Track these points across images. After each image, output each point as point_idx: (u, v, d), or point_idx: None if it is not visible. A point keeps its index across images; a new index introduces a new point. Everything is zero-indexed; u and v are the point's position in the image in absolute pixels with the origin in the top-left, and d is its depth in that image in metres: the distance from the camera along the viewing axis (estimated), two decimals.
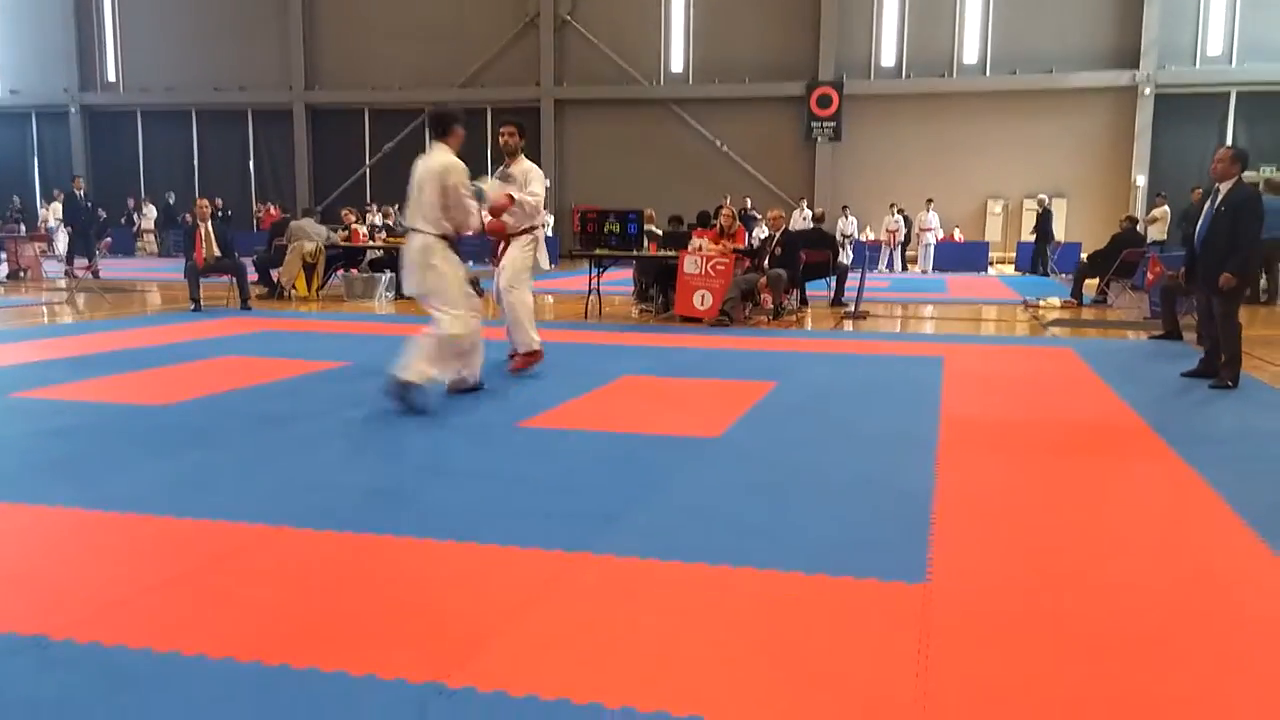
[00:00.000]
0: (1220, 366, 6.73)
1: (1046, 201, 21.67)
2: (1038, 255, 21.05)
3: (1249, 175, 7.31)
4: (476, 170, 6.19)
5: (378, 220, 20.05)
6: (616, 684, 2.31)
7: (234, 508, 3.69)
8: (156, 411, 5.61)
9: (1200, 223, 7.00)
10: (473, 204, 5.85)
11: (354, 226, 15.28)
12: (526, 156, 7.06)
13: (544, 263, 7.16)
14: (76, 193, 17.97)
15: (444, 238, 5.75)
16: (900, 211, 23.06)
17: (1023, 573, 3.13)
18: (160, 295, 14.34)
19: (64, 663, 2.42)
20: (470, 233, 5.99)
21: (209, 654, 2.45)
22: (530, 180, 6.90)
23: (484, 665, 2.41)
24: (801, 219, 20.85)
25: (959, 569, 3.12)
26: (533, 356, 6.96)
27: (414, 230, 5.75)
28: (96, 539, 3.41)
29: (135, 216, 27.51)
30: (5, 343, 8.61)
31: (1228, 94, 24.32)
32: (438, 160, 5.76)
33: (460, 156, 5.87)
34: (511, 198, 6.73)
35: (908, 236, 23.39)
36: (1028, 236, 22.07)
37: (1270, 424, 5.57)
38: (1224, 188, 6.80)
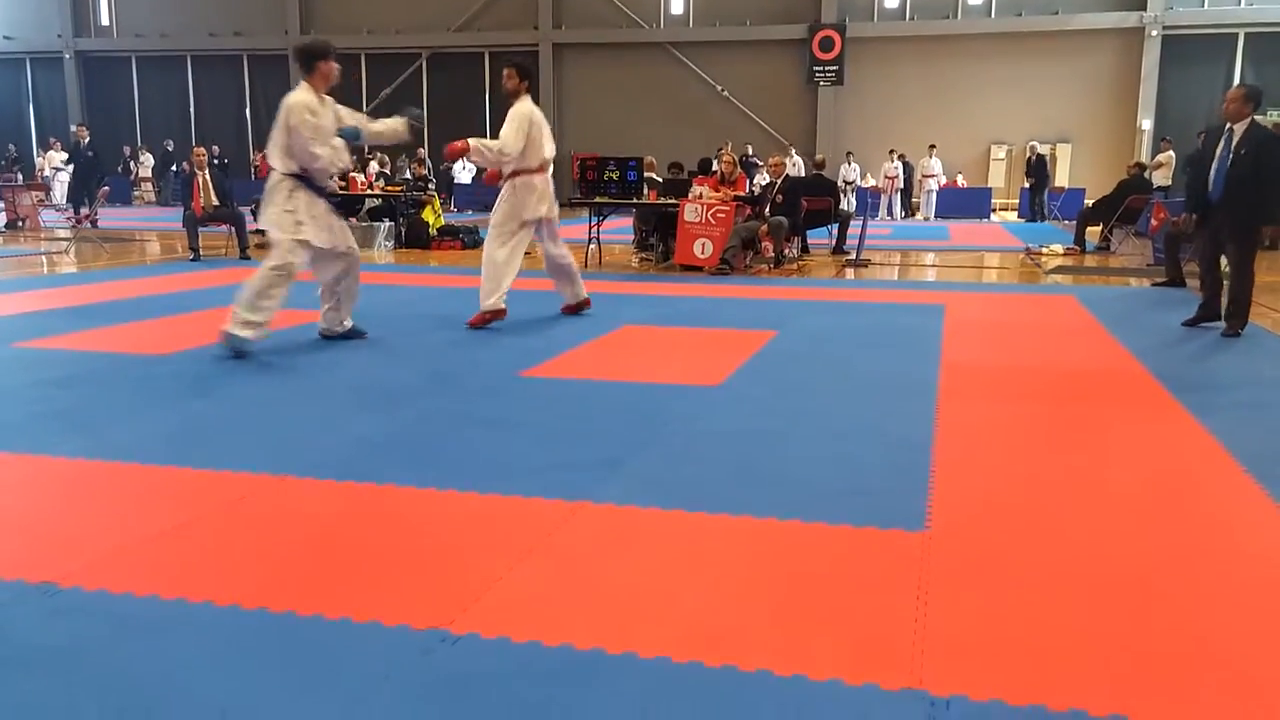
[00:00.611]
0: (1228, 315, 6.62)
1: (1039, 148, 21.53)
2: (1034, 201, 20.97)
3: (1259, 120, 7.04)
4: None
5: (374, 168, 19.94)
6: (618, 631, 2.34)
7: (237, 457, 3.71)
8: (158, 361, 5.62)
9: (1215, 168, 6.67)
10: (322, 148, 5.79)
11: (352, 175, 15.18)
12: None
13: (539, 209, 6.72)
14: (81, 141, 17.86)
15: (296, 176, 5.83)
16: (900, 157, 22.87)
17: (1022, 520, 3.15)
18: (159, 245, 14.29)
19: (72, 609, 2.45)
20: (332, 173, 6.07)
21: (215, 601, 2.48)
22: (506, 123, 6.64)
23: (487, 613, 2.43)
24: (790, 165, 20.67)
25: (958, 517, 3.14)
26: (488, 315, 6.67)
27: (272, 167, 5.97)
28: (101, 488, 3.43)
29: (132, 165, 27.32)
30: (6, 293, 8.60)
31: (1236, 35, 24.01)
32: (287, 99, 5.81)
33: (334, 91, 5.97)
34: (467, 143, 6.52)
35: (908, 183, 23.23)
36: (1026, 183, 21.96)
37: (1273, 372, 5.57)
38: (1239, 129, 6.55)
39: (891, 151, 22.91)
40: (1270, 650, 2.29)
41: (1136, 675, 2.16)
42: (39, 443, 3.91)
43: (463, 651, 2.24)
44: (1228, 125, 6.66)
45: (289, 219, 5.80)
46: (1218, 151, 6.69)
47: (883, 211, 22.58)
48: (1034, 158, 21.14)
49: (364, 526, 3.07)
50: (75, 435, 4.03)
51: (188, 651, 2.24)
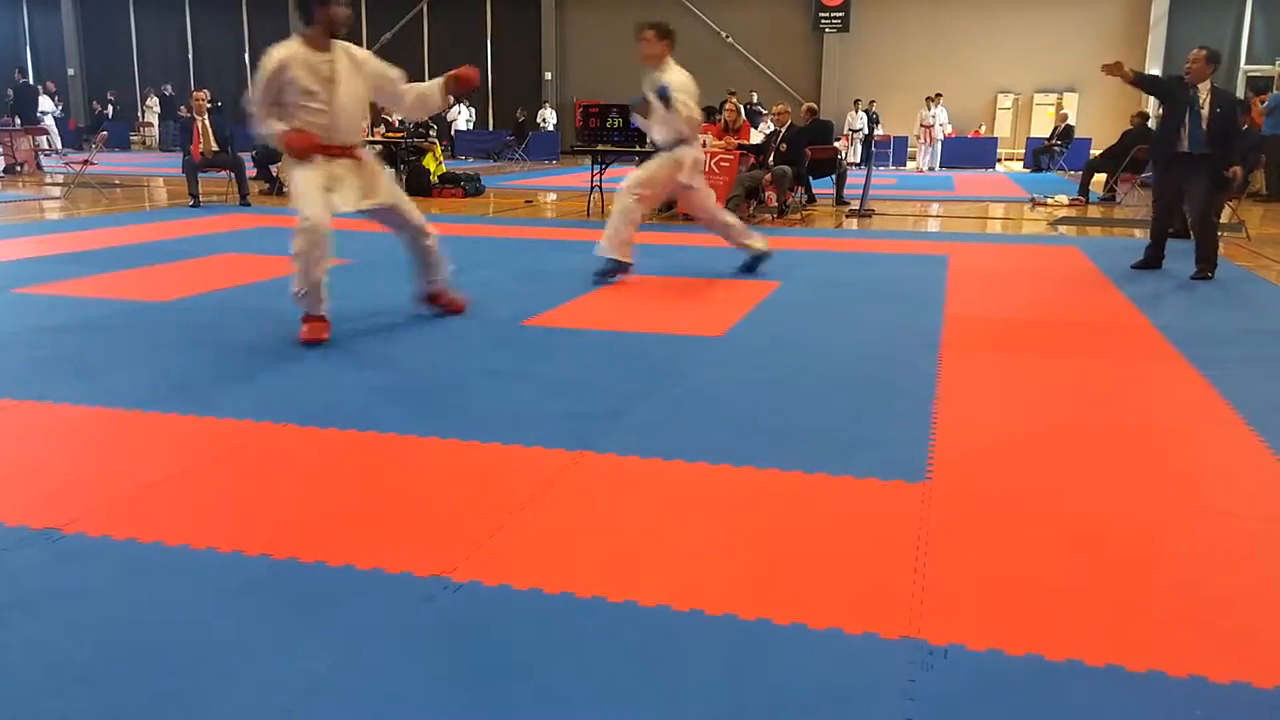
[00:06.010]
0: (1200, 259, 6.91)
1: (1069, 118, 21.29)
2: (1043, 154, 20.78)
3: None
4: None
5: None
6: (619, 579, 2.35)
7: (238, 405, 3.71)
8: (158, 308, 5.60)
9: (1188, 125, 6.95)
10: None
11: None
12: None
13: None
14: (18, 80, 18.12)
15: None
16: (872, 103, 22.29)
17: (1023, 471, 3.15)
18: (158, 191, 14.19)
19: (75, 555, 2.46)
20: None
21: (217, 548, 2.49)
22: None
23: (489, 560, 2.45)
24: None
25: (960, 468, 3.14)
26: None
27: None
28: (103, 435, 3.44)
29: (141, 109, 27.13)
30: (5, 238, 8.55)
31: None
32: None
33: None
34: None
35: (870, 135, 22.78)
36: (1037, 132, 21.66)
37: (1276, 325, 5.55)
38: (1204, 89, 6.89)
39: (928, 99, 22.37)
40: (1267, 602, 2.30)
41: (1133, 626, 2.17)
42: (40, 389, 3.91)
43: (464, 599, 2.26)
44: (1191, 83, 6.98)
45: None
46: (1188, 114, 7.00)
47: (922, 162, 22.16)
48: (1062, 126, 20.88)
49: (366, 475, 3.08)
50: (76, 382, 4.03)
51: (191, 597, 2.26)
